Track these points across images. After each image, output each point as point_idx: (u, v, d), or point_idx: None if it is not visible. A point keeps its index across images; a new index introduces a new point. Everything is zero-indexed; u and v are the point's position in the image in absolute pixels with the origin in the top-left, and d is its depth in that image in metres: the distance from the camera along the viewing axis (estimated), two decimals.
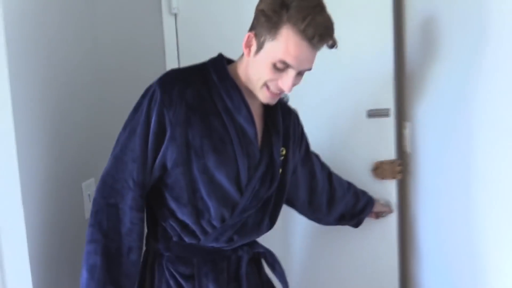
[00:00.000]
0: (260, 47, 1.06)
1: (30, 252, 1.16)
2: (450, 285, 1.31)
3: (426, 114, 1.44)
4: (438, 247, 1.40)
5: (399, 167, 1.65)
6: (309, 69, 1.10)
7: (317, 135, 1.50)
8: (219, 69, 1.17)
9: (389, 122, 1.65)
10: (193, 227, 1.16)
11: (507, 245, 0.95)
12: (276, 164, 1.21)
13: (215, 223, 1.16)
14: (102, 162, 1.34)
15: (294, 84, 1.10)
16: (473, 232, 1.12)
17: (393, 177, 1.66)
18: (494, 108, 0.98)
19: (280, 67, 1.06)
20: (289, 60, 1.04)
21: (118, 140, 1.14)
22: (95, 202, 1.11)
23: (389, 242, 1.72)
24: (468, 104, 1.12)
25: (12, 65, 1.08)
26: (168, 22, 1.73)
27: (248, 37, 1.09)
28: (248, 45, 1.09)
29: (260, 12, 1.05)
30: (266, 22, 1.03)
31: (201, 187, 1.13)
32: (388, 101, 1.65)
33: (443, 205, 1.33)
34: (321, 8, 1.04)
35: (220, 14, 1.71)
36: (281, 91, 1.12)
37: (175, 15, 1.72)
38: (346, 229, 1.63)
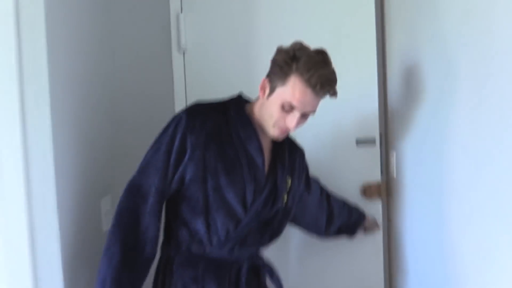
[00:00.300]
0: (272, 90, 1.27)
1: (62, 257, 1.30)
2: None
3: (409, 144, 1.65)
4: (421, 263, 1.58)
5: (384, 188, 1.86)
6: (312, 112, 1.29)
7: (314, 158, 1.69)
8: (238, 106, 1.38)
9: (376, 150, 1.86)
10: (202, 236, 1.34)
11: (484, 258, 1.11)
12: (279, 190, 1.38)
13: (220, 234, 1.33)
14: (118, 181, 1.54)
15: (298, 124, 1.29)
16: (449, 246, 1.31)
17: (379, 197, 1.86)
18: (466, 139, 1.18)
19: (287, 109, 1.25)
20: (294, 103, 1.23)
21: (145, 156, 1.33)
22: (120, 205, 1.30)
23: (376, 258, 1.90)
24: (442, 137, 1.32)
25: (51, 90, 1.24)
26: (176, 58, 1.91)
27: (263, 82, 1.30)
28: (263, 88, 1.30)
29: (274, 62, 1.26)
30: (279, 70, 1.24)
31: (212, 202, 1.32)
32: (374, 132, 1.86)
33: (424, 223, 1.52)
34: (326, 63, 1.24)
35: (225, 52, 1.90)
36: (288, 130, 1.31)
37: (184, 52, 1.91)
38: (336, 246, 1.81)
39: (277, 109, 1.27)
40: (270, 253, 1.54)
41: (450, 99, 1.25)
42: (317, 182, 1.66)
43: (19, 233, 1.22)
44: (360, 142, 1.86)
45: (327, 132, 1.85)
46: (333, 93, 1.28)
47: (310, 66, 1.21)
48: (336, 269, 1.91)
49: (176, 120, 1.32)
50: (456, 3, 1.20)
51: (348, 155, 1.87)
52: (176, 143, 1.29)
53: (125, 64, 1.84)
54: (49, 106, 1.21)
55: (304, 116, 1.30)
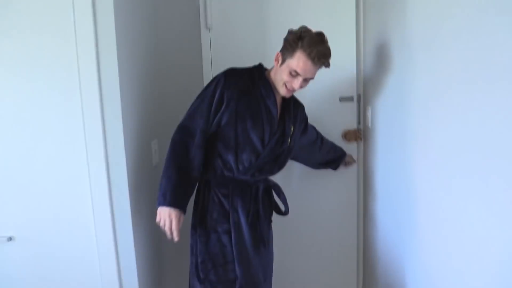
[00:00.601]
0: (283, 61, 1.73)
1: (129, 181, 1.70)
2: (393, 215, 2.09)
3: (380, 101, 2.24)
4: (386, 188, 2.21)
5: (359, 133, 2.50)
6: (312, 78, 1.76)
7: (310, 111, 2.27)
8: (260, 72, 1.86)
9: (354, 105, 2.50)
10: (232, 165, 1.79)
11: (433, 179, 1.47)
12: (286, 134, 1.86)
13: (245, 163, 1.80)
14: (161, 129, 2.03)
15: (301, 86, 1.75)
16: (409, 173, 1.86)
17: (356, 140, 2.52)
18: (422, 97, 1.72)
19: (293, 74, 1.72)
20: (298, 71, 1.69)
21: (192, 106, 1.77)
22: (174, 140, 1.73)
23: (352, 186, 2.57)
24: (404, 95, 1.90)
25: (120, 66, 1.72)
26: (204, 34, 2.46)
27: (277, 54, 1.76)
28: (277, 59, 1.77)
29: (286, 40, 1.73)
30: (289, 47, 1.70)
31: (240, 140, 1.77)
32: (353, 92, 2.48)
33: (390, 158, 2.13)
34: (323, 42, 1.69)
35: (244, 29, 2.44)
36: (293, 89, 1.77)
37: (210, 29, 2.47)
38: (323, 177, 2.48)
39: (286, 74, 1.72)
40: (279, 180, 2.17)
41: (410, 66, 1.71)
42: (314, 128, 2.22)
43: (99, 164, 1.65)
44: (342, 99, 2.49)
45: (319, 92, 2.46)
46: (327, 65, 1.73)
47: (311, 44, 1.65)
48: (324, 193, 2.58)
49: (216, 79, 1.76)
50: None
51: (333, 108, 2.50)
52: (216, 96, 1.73)
53: (165, 39, 2.26)
54: (118, 78, 1.61)
55: (305, 81, 1.75)
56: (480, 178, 1.13)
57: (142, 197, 1.86)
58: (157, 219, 1.71)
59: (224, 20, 2.45)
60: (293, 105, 1.93)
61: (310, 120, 2.29)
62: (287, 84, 1.75)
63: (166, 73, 2.27)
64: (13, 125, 1.62)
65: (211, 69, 2.47)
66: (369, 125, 2.36)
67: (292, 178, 2.56)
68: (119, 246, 1.72)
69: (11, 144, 1.63)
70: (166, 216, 1.68)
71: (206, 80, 2.43)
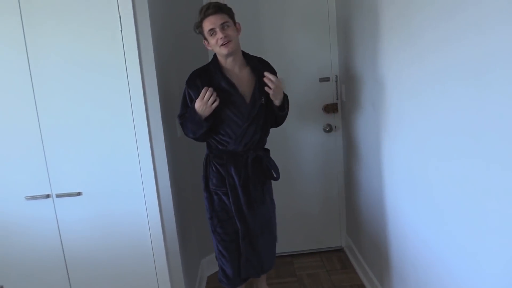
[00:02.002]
0: (204, 38, 2.14)
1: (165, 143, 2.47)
2: (367, 169, 2.78)
3: (351, 80, 2.89)
4: (360, 147, 2.88)
5: (336, 106, 3.13)
6: (226, 22, 2.06)
7: (296, 90, 2.91)
8: (213, 61, 2.22)
9: (331, 84, 3.12)
10: (223, 140, 2.23)
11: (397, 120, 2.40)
12: (257, 104, 2.20)
13: (232, 135, 2.21)
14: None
15: (225, 35, 2.05)
16: (380, 138, 2.58)
17: (333, 112, 3.14)
18: (389, 67, 2.40)
19: (212, 33, 2.07)
20: (211, 26, 2.05)
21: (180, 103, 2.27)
22: (177, 121, 2.35)
23: (338, 148, 3.21)
24: (375, 68, 2.55)
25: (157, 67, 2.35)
26: None
27: (204, 42, 2.18)
28: (206, 47, 2.19)
29: (196, 29, 2.18)
30: (199, 26, 2.13)
31: (220, 121, 2.20)
32: (330, 74, 3.11)
33: (360, 124, 2.80)
34: (204, 8, 2.09)
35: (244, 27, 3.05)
36: (224, 42, 2.05)
37: None
38: (312, 141, 3.11)
39: (211, 38, 2.09)
40: (277, 148, 2.79)
41: (377, 52, 2.46)
42: None
43: (144, 135, 2.24)
44: (321, 80, 3.11)
45: (303, 74, 3.09)
46: (225, 9, 2.09)
47: (202, 8, 2.11)
48: (313, 155, 3.22)
49: (184, 86, 2.23)
50: None
51: (315, 87, 3.12)
52: (187, 97, 2.23)
53: (180, 41, 2.87)
54: (156, 79, 2.24)
55: (223, 29, 2.06)
56: (438, 139, 1.77)
57: (174, 162, 2.48)
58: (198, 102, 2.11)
59: None
60: (257, 70, 2.24)
61: (296, 97, 2.92)
62: (218, 41, 2.07)
63: (182, 71, 2.84)
64: (89, 107, 2.19)
65: None
66: (344, 99, 2.99)
67: (287, 145, 3.18)
68: (161, 198, 2.32)
69: (84, 119, 2.20)
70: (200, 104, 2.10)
71: None
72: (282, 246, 3.28)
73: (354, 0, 2.53)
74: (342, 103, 3.08)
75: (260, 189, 2.34)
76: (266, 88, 2.11)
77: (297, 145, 3.18)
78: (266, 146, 2.45)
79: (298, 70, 3.08)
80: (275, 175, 2.38)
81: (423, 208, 1.75)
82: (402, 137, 1.93)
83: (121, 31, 2.10)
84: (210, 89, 2.09)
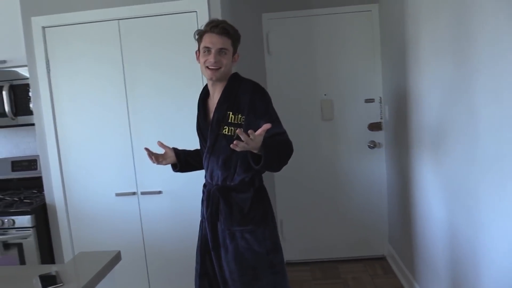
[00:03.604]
0: (198, 49, 1.90)
1: None
2: (417, 186, 3.07)
3: (393, 103, 3.22)
4: (410, 164, 3.18)
5: (380, 125, 3.45)
6: (224, 48, 1.84)
7: (343, 109, 3.28)
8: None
9: (376, 105, 3.46)
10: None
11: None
12: (213, 136, 1.90)
13: (204, 166, 2.01)
14: None
15: (216, 60, 1.82)
16: (423, 154, 2.89)
17: (377, 130, 3.47)
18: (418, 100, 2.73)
19: (205, 51, 1.84)
20: (208, 44, 1.83)
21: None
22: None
23: (380, 164, 3.51)
24: (408, 100, 2.88)
25: None
26: (267, 58, 3.49)
27: (196, 53, 1.93)
28: (196, 56, 1.93)
29: (196, 35, 1.92)
30: (198, 37, 1.89)
31: (200, 148, 2.08)
32: (375, 95, 3.45)
33: (403, 141, 3.10)
34: (214, 20, 1.89)
35: (295, 55, 3.47)
36: (212, 66, 1.83)
37: (271, 54, 3.49)
38: (352, 157, 3.44)
39: (202, 56, 1.87)
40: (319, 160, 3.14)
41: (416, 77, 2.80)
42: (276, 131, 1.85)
43: None
44: (366, 101, 3.45)
45: (349, 95, 3.45)
46: (232, 32, 1.87)
47: (208, 23, 1.89)
48: (358, 168, 3.54)
49: None
50: None
51: (360, 107, 3.46)
52: None
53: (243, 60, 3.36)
54: None
55: (220, 54, 1.84)
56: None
57: None
58: None
59: (279, 48, 3.47)
60: (237, 94, 1.92)
61: (343, 116, 3.28)
62: (205, 63, 1.86)
63: None
64: (170, 124, 2.66)
65: (273, 83, 3.48)
66: (387, 118, 3.32)
67: (334, 158, 3.53)
68: None
69: (166, 132, 2.65)
70: None
71: (271, 95, 3.43)
72: (328, 252, 3.60)
73: (396, 28, 2.88)
74: (385, 122, 3.40)
75: (228, 233, 1.92)
76: (232, 145, 1.61)
77: (343, 159, 3.52)
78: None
79: (345, 91, 3.45)
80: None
81: (478, 223, 1.97)
82: (447, 152, 2.24)
83: None
84: (148, 153, 2.02)
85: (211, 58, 1.84)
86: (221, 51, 1.85)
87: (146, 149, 2.00)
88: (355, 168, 3.53)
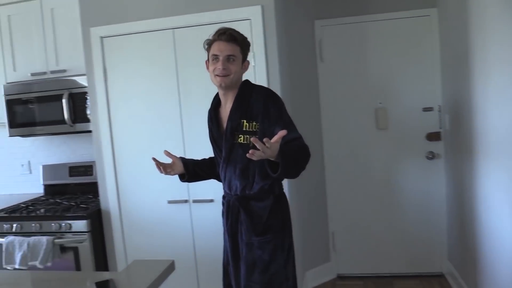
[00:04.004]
0: (208, 58, 1.87)
1: None
2: (483, 202, 2.89)
3: (457, 110, 3.05)
4: (474, 178, 3.00)
5: (439, 135, 3.28)
6: (232, 55, 1.81)
7: (402, 118, 3.14)
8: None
9: (434, 113, 3.29)
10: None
11: None
12: (228, 144, 1.88)
13: (221, 176, 1.98)
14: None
15: (224, 67, 1.80)
16: (491, 168, 2.72)
17: (436, 140, 3.29)
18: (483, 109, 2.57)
19: (213, 59, 1.82)
20: (216, 52, 1.81)
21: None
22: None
23: (440, 177, 3.34)
24: (472, 107, 2.72)
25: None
26: (319, 64, 3.42)
27: (206, 62, 1.90)
28: (206, 66, 1.89)
29: (206, 45, 1.89)
30: (208, 46, 1.87)
31: (215, 159, 2.05)
32: (433, 104, 3.28)
33: (466, 152, 2.93)
34: (228, 28, 1.85)
35: (346, 62, 3.38)
36: (221, 73, 1.80)
37: (323, 61, 3.42)
38: (408, 168, 3.28)
39: (211, 64, 1.84)
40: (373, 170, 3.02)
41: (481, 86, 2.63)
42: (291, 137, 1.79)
43: None
44: (425, 109, 3.29)
45: (406, 103, 3.30)
46: (240, 39, 1.83)
47: (217, 30, 1.85)
48: (415, 180, 3.38)
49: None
50: None
51: (418, 116, 3.30)
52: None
53: (295, 68, 3.31)
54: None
55: (228, 61, 1.81)
56: None
57: None
58: None
59: (332, 55, 3.39)
60: (249, 101, 1.87)
61: (399, 125, 3.15)
62: (214, 71, 1.84)
63: (294, 97, 3.22)
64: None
65: (324, 90, 3.40)
66: (448, 127, 3.14)
67: (389, 169, 3.39)
68: None
69: None
70: None
71: (323, 104, 3.39)
72: (382, 267, 3.45)
73: (458, 33, 2.73)
74: (445, 132, 3.23)
75: (249, 246, 1.88)
76: (248, 155, 1.56)
77: (399, 169, 3.37)
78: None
79: (401, 99, 3.31)
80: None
81: None
82: None
83: (254, 66, 2.53)
84: (156, 163, 1.96)
85: (219, 65, 1.82)
86: (229, 58, 1.83)
87: (154, 159, 1.96)
88: (412, 179, 3.36)
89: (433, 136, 3.29)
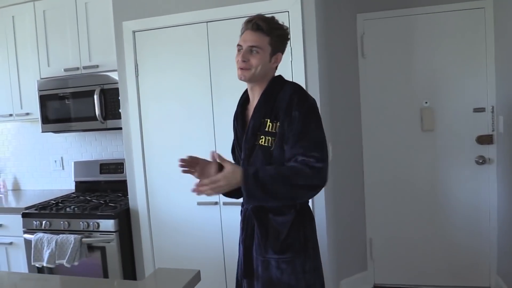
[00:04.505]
0: None
1: None
2: None
3: (510, 112, 2.79)
4: None
5: (491, 138, 3.01)
6: (255, 47, 1.59)
7: (441, 121, 2.90)
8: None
9: (486, 114, 3.02)
10: None
11: None
12: (249, 145, 1.67)
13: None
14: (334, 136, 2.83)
15: (245, 58, 1.60)
16: None
17: (488, 143, 3.02)
18: None
19: (239, 49, 1.64)
20: (240, 42, 1.64)
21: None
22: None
23: (491, 184, 3.07)
24: None
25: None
26: (361, 61, 3.21)
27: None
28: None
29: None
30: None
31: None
32: (484, 104, 3.01)
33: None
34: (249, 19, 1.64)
35: (389, 58, 3.16)
36: (241, 65, 1.61)
37: (364, 57, 3.21)
38: (456, 174, 3.03)
39: (236, 54, 1.66)
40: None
41: None
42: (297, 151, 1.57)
43: None
44: (475, 110, 3.03)
45: (455, 103, 3.05)
46: (266, 26, 1.60)
47: (246, 20, 1.65)
48: (463, 186, 3.13)
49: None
50: None
51: (468, 117, 3.04)
52: None
53: (334, 64, 3.11)
54: (319, 91, 2.56)
55: (251, 52, 1.61)
56: None
57: None
58: None
59: (374, 50, 3.18)
60: (276, 98, 1.64)
61: (447, 127, 2.91)
62: (237, 63, 1.65)
63: (332, 94, 3.04)
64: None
65: (366, 86, 3.20)
66: (501, 130, 2.88)
67: (435, 173, 3.15)
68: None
69: None
70: None
71: (364, 102, 3.18)
72: (423, 278, 3.21)
73: None
74: (499, 135, 2.96)
75: (264, 262, 1.66)
76: (192, 189, 1.52)
77: (445, 174, 3.12)
78: None
79: (450, 99, 3.06)
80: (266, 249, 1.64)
81: None
82: None
83: (291, 61, 2.37)
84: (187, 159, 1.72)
85: (239, 57, 1.63)
86: (252, 50, 1.61)
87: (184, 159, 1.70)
88: (459, 185, 3.11)
89: (485, 139, 3.02)
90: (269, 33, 1.62)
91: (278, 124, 1.60)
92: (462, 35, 3.01)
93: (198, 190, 1.50)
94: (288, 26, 2.25)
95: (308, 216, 1.71)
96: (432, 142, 3.12)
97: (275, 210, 1.64)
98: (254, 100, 1.71)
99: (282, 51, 1.70)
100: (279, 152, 1.60)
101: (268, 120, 1.63)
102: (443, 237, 3.17)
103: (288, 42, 1.72)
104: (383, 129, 3.21)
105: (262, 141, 1.63)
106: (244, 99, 1.80)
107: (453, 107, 3.06)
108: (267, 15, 1.66)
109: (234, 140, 1.83)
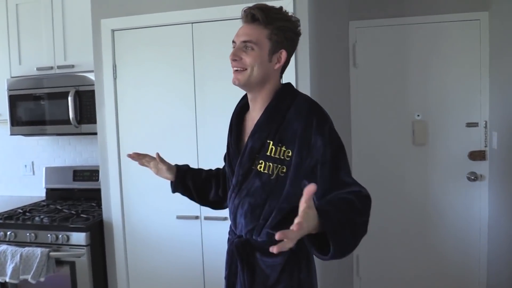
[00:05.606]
0: None
1: None
2: None
3: (504, 128, 2.70)
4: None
5: (483, 154, 2.92)
6: (249, 41, 1.30)
7: (435, 135, 2.79)
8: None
9: (479, 130, 2.93)
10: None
11: None
12: (244, 170, 1.37)
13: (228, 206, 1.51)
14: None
15: (236, 59, 1.31)
16: None
17: (480, 159, 2.93)
18: None
19: (233, 46, 1.36)
20: (234, 37, 1.36)
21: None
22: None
23: (482, 201, 2.97)
24: None
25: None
26: (352, 70, 3.08)
27: None
28: None
29: None
30: None
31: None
32: (478, 119, 2.92)
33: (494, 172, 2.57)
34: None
35: (381, 67, 3.05)
36: (233, 65, 1.34)
37: (356, 66, 3.08)
38: (447, 189, 2.93)
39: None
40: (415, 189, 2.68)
41: None
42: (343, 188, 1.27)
43: None
44: (468, 125, 2.93)
45: (448, 118, 2.95)
46: (262, 16, 1.29)
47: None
48: (453, 202, 3.03)
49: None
50: None
51: (460, 132, 2.95)
52: None
53: (325, 72, 3.01)
54: None
55: (241, 51, 1.32)
56: None
57: None
58: None
59: (366, 60, 3.06)
60: (285, 115, 1.35)
61: (439, 141, 2.80)
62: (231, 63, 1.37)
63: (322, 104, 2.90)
64: None
65: (357, 95, 3.08)
66: (495, 146, 2.78)
67: (426, 188, 3.04)
68: None
69: None
70: None
71: (354, 113, 3.06)
72: None
73: None
74: (491, 151, 2.87)
75: None
76: (271, 249, 1.02)
77: (435, 190, 3.02)
78: None
79: (443, 112, 2.96)
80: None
81: None
82: None
83: None
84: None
85: (231, 55, 1.33)
86: (246, 46, 1.31)
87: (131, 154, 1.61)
88: (449, 202, 3.00)
89: (477, 155, 2.93)
90: (267, 24, 1.30)
91: (284, 149, 1.31)
92: (456, 47, 2.92)
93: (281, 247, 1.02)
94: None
95: (304, 259, 1.39)
96: (424, 157, 3.01)
97: (263, 249, 1.33)
98: (254, 111, 1.41)
99: (287, 49, 1.36)
100: (292, 184, 1.30)
101: (271, 143, 1.33)
102: (432, 254, 3.06)
103: (299, 39, 1.39)
104: (374, 142, 3.09)
105: (260, 167, 1.34)
106: (242, 106, 1.50)
107: (446, 121, 2.96)
108: (271, 4, 1.36)
109: (226, 153, 1.56)
